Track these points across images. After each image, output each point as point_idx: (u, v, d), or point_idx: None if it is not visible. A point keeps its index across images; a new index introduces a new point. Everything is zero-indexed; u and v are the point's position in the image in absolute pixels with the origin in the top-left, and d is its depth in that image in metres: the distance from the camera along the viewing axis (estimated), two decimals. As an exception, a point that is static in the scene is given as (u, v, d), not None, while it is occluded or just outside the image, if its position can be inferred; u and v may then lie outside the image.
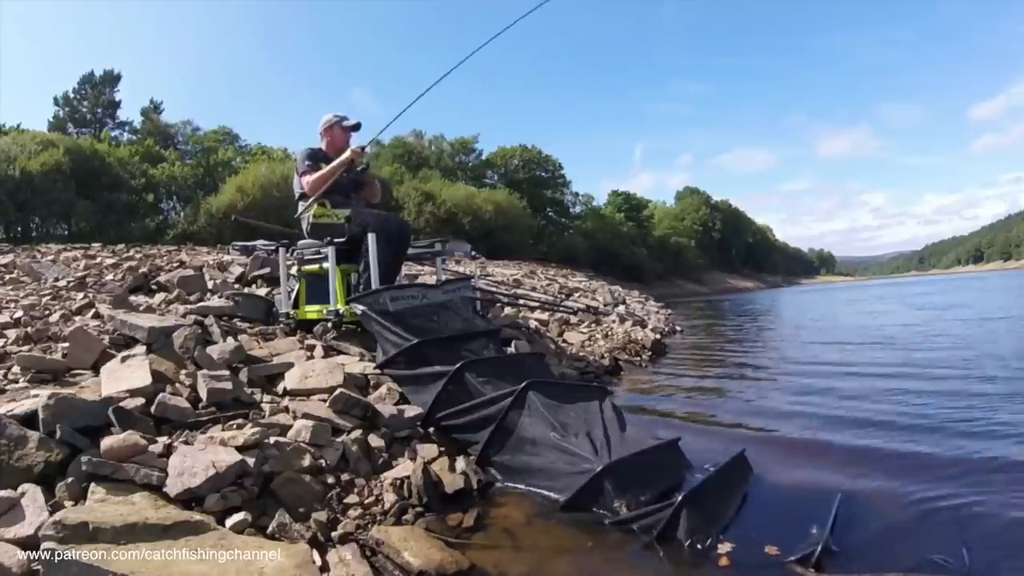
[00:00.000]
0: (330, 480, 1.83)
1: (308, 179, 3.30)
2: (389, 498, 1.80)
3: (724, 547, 1.56)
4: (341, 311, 3.07)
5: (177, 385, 2.14)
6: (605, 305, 8.41)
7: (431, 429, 2.34)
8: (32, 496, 1.43)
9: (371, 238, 3.06)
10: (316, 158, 3.38)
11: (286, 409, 2.17)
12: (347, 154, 3.23)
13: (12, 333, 2.56)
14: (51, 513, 1.35)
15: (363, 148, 3.32)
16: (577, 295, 9.30)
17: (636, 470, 1.89)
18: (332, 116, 3.48)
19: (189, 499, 1.55)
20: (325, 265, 3.19)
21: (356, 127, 3.49)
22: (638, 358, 5.02)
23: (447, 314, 3.15)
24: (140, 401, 1.92)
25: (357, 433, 2.09)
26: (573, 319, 5.99)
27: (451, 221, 22.99)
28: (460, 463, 2.06)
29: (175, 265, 5.19)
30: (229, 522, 1.51)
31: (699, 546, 1.56)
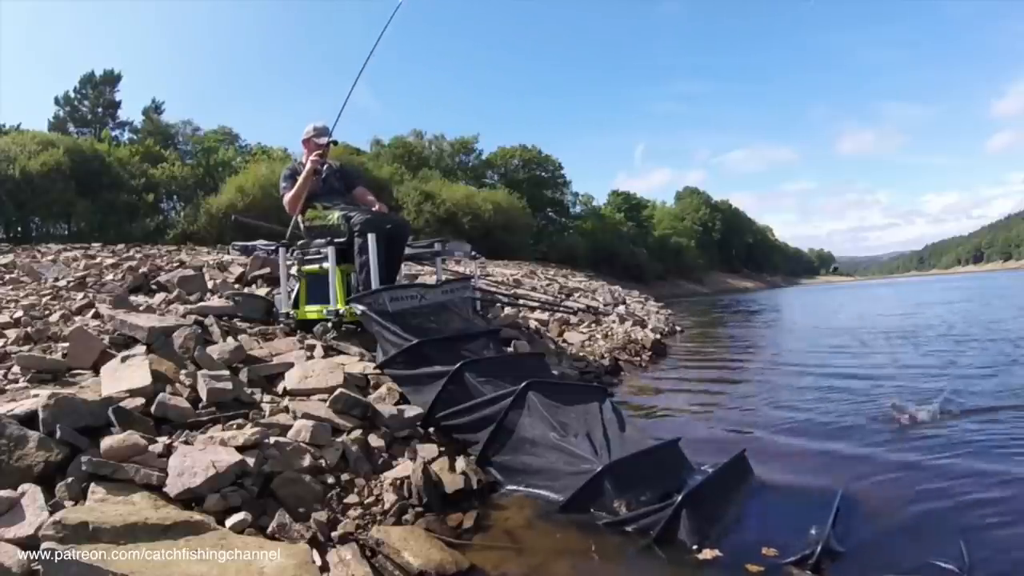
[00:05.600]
0: (330, 480, 1.83)
1: (285, 199, 3.46)
2: (389, 498, 1.80)
3: (724, 548, 1.56)
4: (341, 311, 3.07)
5: (177, 385, 2.14)
6: (605, 305, 8.41)
7: (431, 429, 2.35)
8: (32, 496, 1.43)
9: (371, 239, 3.06)
10: (295, 175, 3.49)
11: (286, 409, 2.17)
12: (308, 166, 3.38)
13: (12, 333, 2.56)
14: (51, 513, 1.35)
15: (321, 153, 3.46)
16: (577, 295, 9.30)
17: (636, 470, 1.89)
18: (311, 128, 3.57)
19: (189, 499, 1.55)
20: (325, 265, 3.19)
21: (333, 143, 3.61)
22: (638, 358, 5.02)
23: (447, 314, 3.15)
24: (140, 401, 1.92)
25: (357, 433, 2.09)
26: (573, 319, 6.00)
27: (451, 221, 22.96)
28: (460, 463, 2.06)
29: (175, 265, 5.19)
30: (229, 522, 1.51)
31: (698, 547, 1.56)
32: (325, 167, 3.53)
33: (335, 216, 3.27)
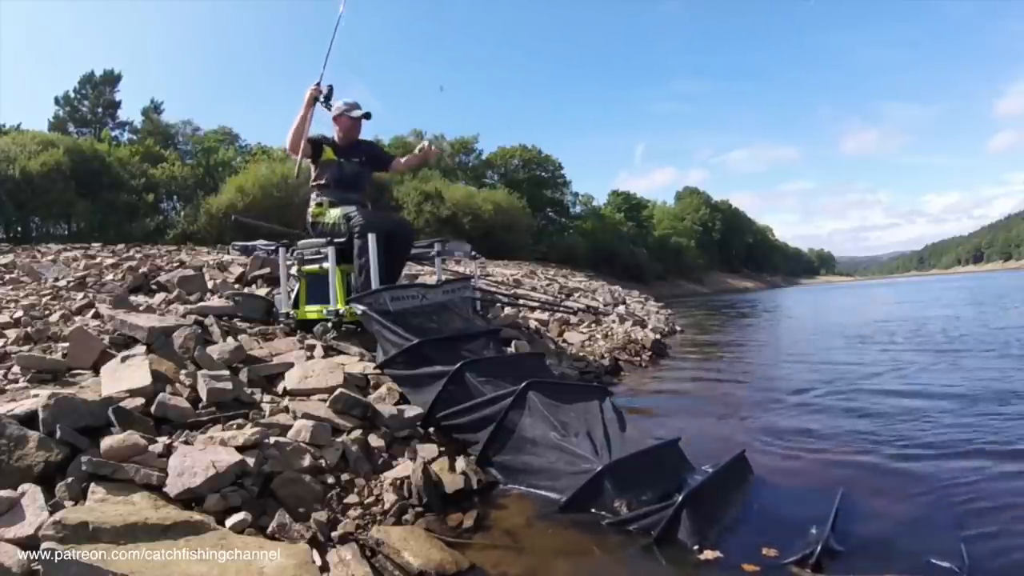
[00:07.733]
0: (330, 480, 1.83)
1: (287, 141, 3.33)
2: (389, 498, 1.80)
3: (724, 548, 1.55)
4: (341, 311, 3.07)
5: (177, 385, 2.14)
6: (605, 305, 8.41)
7: (431, 429, 2.34)
8: (32, 496, 1.43)
9: (371, 239, 3.06)
10: (313, 140, 3.40)
11: (286, 409, 2.17)
12: (307, 94, 3.28)
13: (12, 333, 2.56)
14: (51, 513, 1.35)
15: (318, 84, 3.35)
16: (577, 295, 9.30)
17: (636, 470, 1.89)
18: (342, 103, 3.47)
19: (189, 499, 1.55)
20: (325, 265, 3.19)
21: (367, 116, 3.53)
22: (638, 358, 5.02)
23: (447, 314, 3.15)
24: (140, 401, 1.92)
25: (357, 433, 2.09)
26: (573, 319, 5.99)
27: (451, 221, 22.97)
28: (460, 463, 2.06)
29: (175, 265, 5.19)
30: (229, 522, 1.51)
31: (699, 547, 1.56)
32: (324, 90, 3.39)
33: (336, 214, 3.26)
